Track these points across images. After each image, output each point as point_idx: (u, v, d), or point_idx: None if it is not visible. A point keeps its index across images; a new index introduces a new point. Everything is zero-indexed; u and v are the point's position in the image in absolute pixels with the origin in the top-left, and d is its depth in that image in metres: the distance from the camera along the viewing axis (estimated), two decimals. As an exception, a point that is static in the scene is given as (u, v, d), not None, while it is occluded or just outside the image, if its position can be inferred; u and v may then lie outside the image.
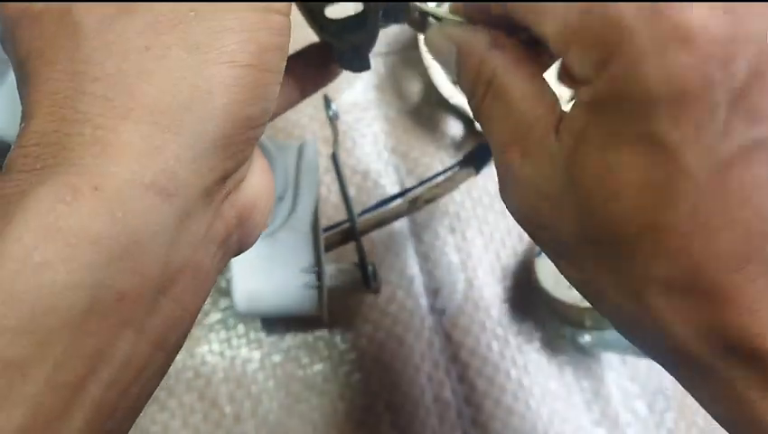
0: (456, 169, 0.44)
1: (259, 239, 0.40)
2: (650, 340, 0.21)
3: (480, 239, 0.48)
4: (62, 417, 0.18)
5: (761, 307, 0.19)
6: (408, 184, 0.49)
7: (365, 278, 0.42)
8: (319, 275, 0.41)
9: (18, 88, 0.21)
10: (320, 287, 0.41)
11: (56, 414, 0.18)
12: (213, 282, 0.23)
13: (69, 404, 0.18)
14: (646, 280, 0.19)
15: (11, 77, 0.39)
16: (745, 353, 0.19)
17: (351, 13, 0.30)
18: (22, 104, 0.21)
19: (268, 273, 0.41)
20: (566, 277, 0.23)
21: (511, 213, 0.24)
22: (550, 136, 0.21)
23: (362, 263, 0.42)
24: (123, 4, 0.20)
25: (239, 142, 0.21)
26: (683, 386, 0.23)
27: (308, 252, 0.42)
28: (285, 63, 0.22)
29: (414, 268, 0.47)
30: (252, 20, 0.20)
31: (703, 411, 0.48)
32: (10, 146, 0.41)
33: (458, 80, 0.25)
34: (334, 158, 0.48)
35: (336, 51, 0.32)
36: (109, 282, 0.18)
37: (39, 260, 0.17)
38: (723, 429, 0.47)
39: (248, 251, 0.37)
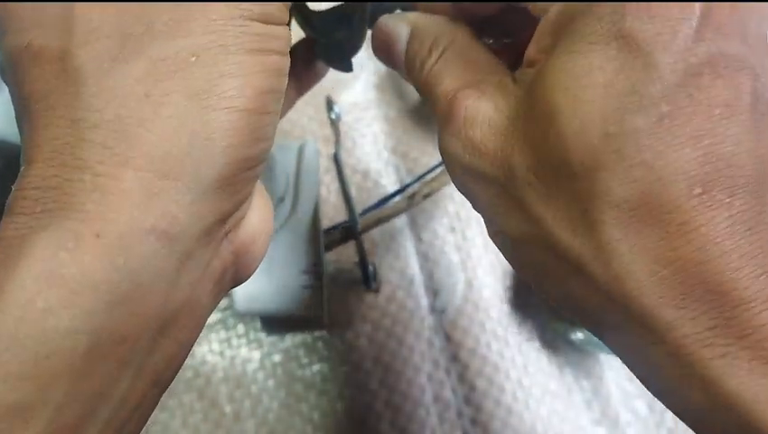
0: None
1: None
2: (597, 293, 0.19)
3: (480, 238, 0.48)
4: None
5: (722, 240, 0.17)
6: (405, 176, 0.49)
7: (365, 279, 0.42)
8: (319, 275, 0.41)
9: (17, 120, 0.22)
10: (320, 288, 0.41)
11: None
12: (208, 316, 0.23)
13: None
14: (603, 207, 0.18)
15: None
16: (702, 297, 0.17)
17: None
18: (21, 141, 0.21)
19: (268, 273, 0.41)
20: (500, 240, 0.23)
21: (449, 163, 0.23)
22: (509, 79, 0.22)
23: (363, 263, 0.42)
24: (124, 48, 0.20)
25: (238, 182, 0.21)
26: (621, 358, 0.22)
27: (308, 252, 0.42)
28: (282, 100, 0.22)
29: (414, 268, 0.47)
30: (250, 64, 0.21)
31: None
32: (9, 147, 0.41)
33: (406, 58, 0.25)
34: (336, 159, 0.48)
35: (318, 45, 0.31)
36: (110, 326, 0.18)
37: (42, 307, 0.18)
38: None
39: None
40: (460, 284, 0.47)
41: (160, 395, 0.22)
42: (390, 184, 0.49)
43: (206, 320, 0.23)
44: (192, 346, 0.23)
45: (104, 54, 0.20)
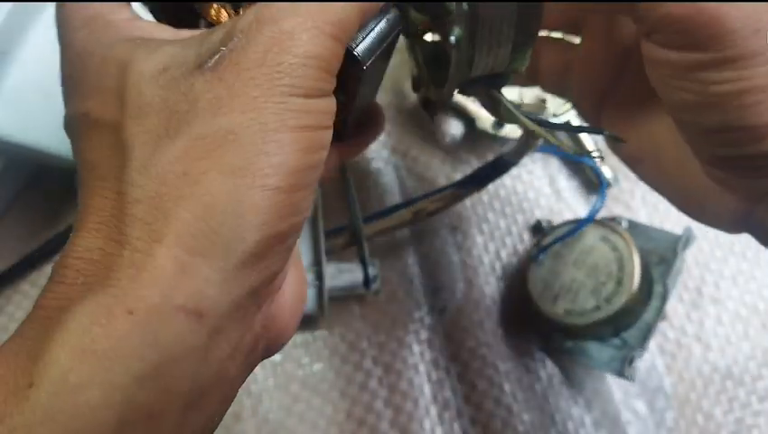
0: (465, 185, 0.43)
1: None
2: None
3: (480, 238, 0.48)
4: None
5: None
6: (408, 183, 0.49)
7: (366, 279, 0.42)
8: (319, 274, 0.41)
9: (76, 181, 0.23)
10: (320, 287, 0.41)
11: None
12: (239, 388, 0.23)
13: None
14: None
15: (12, 77, 0.39)
16: None
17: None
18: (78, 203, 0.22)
19: None
20: None
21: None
22: None
23: (364, 267, 0.42)
24: (169, 125, 0.21)
25: (270, 257, 0.21)
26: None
27: (308, 252, 0.41)
28: (320, 172, 0.22)
29: (414, 267, 0.47)
30: (288, 141, 0.21)
31: (703, 410, 0.48)
32: (9, 147, 0.41)
33: None
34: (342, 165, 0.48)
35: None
36: (140, 401, 0.19)
37: (75, 382, 0.18)
38: (723, 429, 0.47)
39: None
40: (460, 283, 0.47)
41: None
42: (390, 183, 0.49)
43: (236, 392, 0.23)
44: (222, 418, 0.23)
45: (152, 129, 0.21)
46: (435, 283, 0.47)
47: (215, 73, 0.21)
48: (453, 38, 0.25)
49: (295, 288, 0.25)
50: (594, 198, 0.49)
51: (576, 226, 0.42)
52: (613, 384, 0.45)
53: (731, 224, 0.28)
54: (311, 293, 0.41)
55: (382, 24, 0.26)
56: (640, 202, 0.49)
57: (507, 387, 0.45)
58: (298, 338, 0.46)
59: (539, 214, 0.48)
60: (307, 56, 0.21)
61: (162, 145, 0.21)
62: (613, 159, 0.50)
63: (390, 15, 0.26)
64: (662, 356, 0.46)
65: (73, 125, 0.23)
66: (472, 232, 0.48)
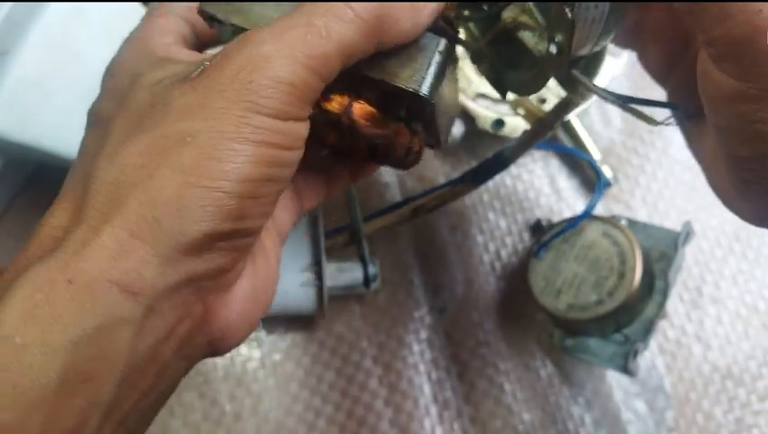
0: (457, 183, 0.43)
1: None
2: None
3: (480, 237, 0.48)
4: None
5: None
6: (409, 184, 0.49)
7: (365, 279, 0.42)
8: (319, 274, 0.41)
9: None
10: (319, 286, 0.41)
11: None
12: (178, 376, 0.25)
13: None
14: None
15: (12, 76, 0.39)
16: None
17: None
18: None
19: None
20: None
21: None
22: None
23: (364, 266, 0.42)
24: (146, 121, 0.23)
25: (212, 252, 0.23)
26: None
27: (308, 251, 0.42)
28: (282, 187, 0.25)
29: (414, 267, 0.47)
30: (243, 152, 0.23)
31: (703, 409, 0.48)
32: (9, 146, 0.41)
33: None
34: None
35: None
36: (78, 364, 0.21)
37: (19, 343, 0.20)
38: (723, 428, 0.47)
39: None
40: (460, 283, 0.47)
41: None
42: (390, 182, 0.49)
43: (176, 379, 0.25)
44: (161, 406, 0.24)
45: (129, 124, 0.24)
46: (435, 283, 0.47)
47: (191, 84, 0.23)
48: (555, 44, 0.27)
49: (252, 294, 0.27)
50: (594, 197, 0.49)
51: (577, 218, 0.42)
52: (614, 384, 0.45)
53: (757, 223, 0.28)
54: (311, 292, 0.41)
55: (437, 58, 0.27)
56: (640, 201, 0.49)
57: (507, 386, 0.45)
58: (298, 338, 0.46)
59: (540, 214, 0.48)
60: (277, 80, 0.23)
61: (131, 138, 0.23)
62: (612, 159, 0.50)
63: (442, 48, 0.27)
64: (662, 356, 0.46)
65: (87, 120, 0.26)
66: (472, 232, 0.48)
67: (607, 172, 0.47)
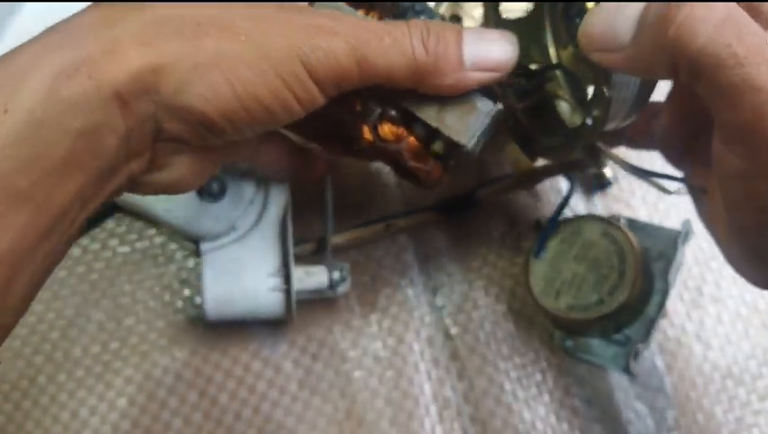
0: (432, 211, 0.47)
1: (229, 243, 0.42)
2: None
3: (480, 236, 0.48)
4: None
5: None
6: (407, 187, 0.49)
7: (330, 281, 0.42)
8: (286, 278, 0.41)
9: None
10: (287, 290, 0.41)
11: None
12: (112, 190, 0.28)
13: None
14: None
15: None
16: None
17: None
18: None
19: (237, 277, 0.41)
20: None
21: None
22: None
23: (329, 266, 0.42)
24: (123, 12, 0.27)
25: (194, 130, 0.28)
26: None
27: (277, 256, 0.42)
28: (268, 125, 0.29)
29: (414, 266, 0.47)
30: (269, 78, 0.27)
31: (704, 409, 0.48)
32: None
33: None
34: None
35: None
36: (76, 152, 0.25)
37: (40, 117, 0.24)
38: (724, 428, 0.47)
39: (217, 255, 0.41)
40: (460, 283, 0.47)
41: (65, 243, 0.27)
42: (391, 185, 0.49)
43: (108, 191, 0.28)
44: (85, 210, 0.27)
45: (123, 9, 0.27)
46: (435, 282, 0.47)
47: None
48: (591, 118, 0.30)
49: (183, 178, 0.30)
50: (594, 198, 0.49)
51: (562, 203, 0.43)
52: (614, 383, 0.45)
53: (760, 286, 0.31)
54: (279, 297, 0.41)
55: (486, 120, 0.31)
56: (640, 200, 0.49)
57: (507, 386, 0.45)
58: (298, 337, 0.46)
59: (540, 213, 0.48)
60: (332, 52, 0.27)
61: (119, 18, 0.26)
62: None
63: (494, 112, 0.31)
64: (663, 355, 0.46)
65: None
66: (472, 231, 0.48)
67: (608, 171, 0.47)
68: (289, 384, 0.45)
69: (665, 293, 0.41)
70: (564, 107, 0.33)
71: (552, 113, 0.33)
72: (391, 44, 0.28)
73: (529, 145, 0.36)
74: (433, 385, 0.45)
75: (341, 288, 0.43)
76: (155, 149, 0.28)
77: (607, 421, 0.45)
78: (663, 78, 0.27)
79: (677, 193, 0.32)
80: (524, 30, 0.35)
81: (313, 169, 0.40)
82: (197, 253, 0.42)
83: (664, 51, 0.25)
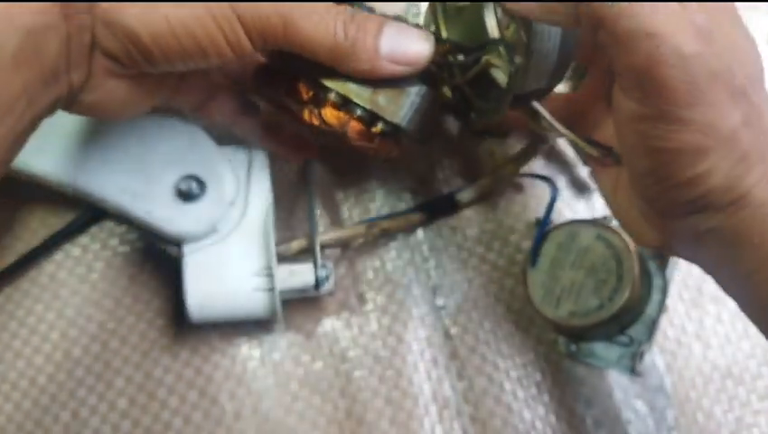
0: (414, 213, 0.48)
1: (211, 244, 0.42)
2: None
3: (481, 236, 0.48)
4: None
5: None
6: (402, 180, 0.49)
7: (316, 280, 0.42)
8: (270, 278, 0.41)
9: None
10: (272, 290, 0.41)
11: None
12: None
13: None
14: None
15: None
16: None
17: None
18: None
19: (220, 278, 0.41)
20: None
21: None
22: None
23: (315, 264, 0.42)
24: None
25: (155, 59, 0.30)
26: None
27: (260, 256, 0.41)
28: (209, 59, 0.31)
29: (414, 266, 0.47)
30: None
31: (703, 409, 0.48)
32: (30, 176, 0.40)
33: None
34: (306, 169, 0.47)
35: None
36: (24, 51, 0.27)
37: None
38: (724, 427, 0.47)
39: (199, 257, 0.41)
40: (460, 282, 0.47)
41: (11, 141, 0.29)
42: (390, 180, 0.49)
43: (52, 96, 0.29)
44: (30, 109, 0.29)
45: None
46: (435, 282, 0.47)
47: None
48: (514, 65, 0.32)
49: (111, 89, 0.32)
50: (592, 198, 0.49)
51: (547, 210, 0.43)
52: (614, 383, 0.45)
53: (659, 247, 0.33)
54: (263, 297, 0.41)
55: (415, 100, 0.35)
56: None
57: (507, 385, 0.45)
58: (297, 337, 0.46)
59: (540, 213, 0.48)
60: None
61: None
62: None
63: (423, 92, 0.35)
64: (662, 355, 0.46)
65: None
66: (472, 230, 0.48)
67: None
68: (289, 384, 0.45)
69: (664, 289, 0.41)
70: (501, 75, 0.35)
71: (490, 81, 0.36)
72: (318, 21, 0.31)
73: (467, 111, 0.39)
74: (432, 385, 0.45)
75: (326, 287, 0.43)
76: (93, 66, 0.30)
77: (607, 421, 0.45)
78: (569, 26, 0.29)
79: (600, 157, 0.33)
80: (467, 17, 0.38)
81: (300, 150, 0.43)
82: (179, 256, 0.42)
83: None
